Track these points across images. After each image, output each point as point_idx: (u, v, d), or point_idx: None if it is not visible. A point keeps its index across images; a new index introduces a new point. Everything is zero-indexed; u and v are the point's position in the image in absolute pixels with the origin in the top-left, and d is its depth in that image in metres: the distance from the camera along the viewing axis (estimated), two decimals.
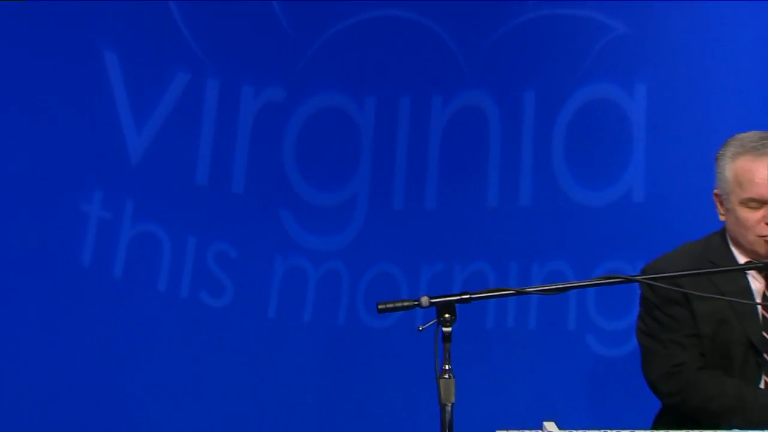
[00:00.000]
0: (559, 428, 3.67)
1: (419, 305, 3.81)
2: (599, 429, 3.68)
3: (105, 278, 7.22)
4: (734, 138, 4.32)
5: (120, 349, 7.12)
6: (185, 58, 7.35)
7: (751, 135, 4.32)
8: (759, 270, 4.26)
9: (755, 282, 4.36)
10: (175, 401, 7.19)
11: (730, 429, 3.88)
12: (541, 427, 3.66)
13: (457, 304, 3.79)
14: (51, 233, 7.11)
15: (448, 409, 3.65)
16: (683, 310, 4.38)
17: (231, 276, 7.43)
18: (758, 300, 4.29)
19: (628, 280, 4.28)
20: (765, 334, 4.29)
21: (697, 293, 4.23)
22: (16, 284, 6.97)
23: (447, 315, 3.77)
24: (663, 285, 4.27)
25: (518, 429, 3.63)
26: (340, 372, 7.24)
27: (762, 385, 4.31)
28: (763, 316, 4.32)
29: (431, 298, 3.80)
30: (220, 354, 7.30)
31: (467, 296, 3.83)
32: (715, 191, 4.40)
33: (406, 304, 3.87)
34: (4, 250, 6.97)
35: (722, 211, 4.38)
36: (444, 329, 3.76)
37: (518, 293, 4.12)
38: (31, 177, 7.02)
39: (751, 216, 4.23)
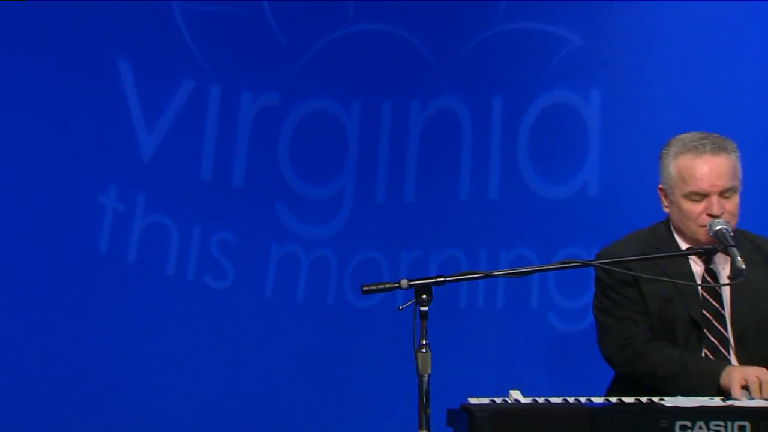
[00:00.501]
0: (524, 395, 3.70)
1: (399, 287, 3.84)
2: (559, 396, 3.67)
3: (119, 264, 7.22)
4: (676, 138, 4.33)
5: (133, 327, 7.12)
6: (190, 67, 7.35)
7: (692, 135, 4.32)
8: (699, 255, 4.28)
9: (696, 266, 4.37)
10: (182, 372, 7.17)
11: (674, 394, 3.88)
12: (507, 395, 3.68)
13: (433, 286, 3.80)
14: (71, 223, 7.10)
15: (425, 379, 3.68)
16: (633, 291, 4.39)
17: (232, 261, 7.46)
18: (698, 282, 4.31)
19: (585, 265, 4.33)
20: (704, 311, 4.30)
21: (645, 276, 4.28)
22: (41, 269, 6.95)
23: (424, 296, 3.79)
24: (615, 269, 4.32)
25: (488, 396, 3.63)
26: (329, 346, 7.23)
27: (702, 356, 4.30)
28: (703, 295, 4.32)
29: (410, 280, 3.83)
30: (222, 330, 7.32)
31: (442, 279, 3.85)
32: (660, 186, 4.40)
33: (387, 286, 3.90)
34: (30, 239, 6.95)
35: (666, 204, 4.39)
36: (421, 308, 3.78)
37: (487, 276, 4.14)
38: (53, 173, 7.01)
39: (694, 208, 4.24)
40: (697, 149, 4.28)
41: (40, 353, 6.88)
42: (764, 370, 3.97)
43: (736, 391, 3.90)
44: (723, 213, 4.23)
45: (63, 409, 6.83)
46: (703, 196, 4.24)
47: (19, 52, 6.91)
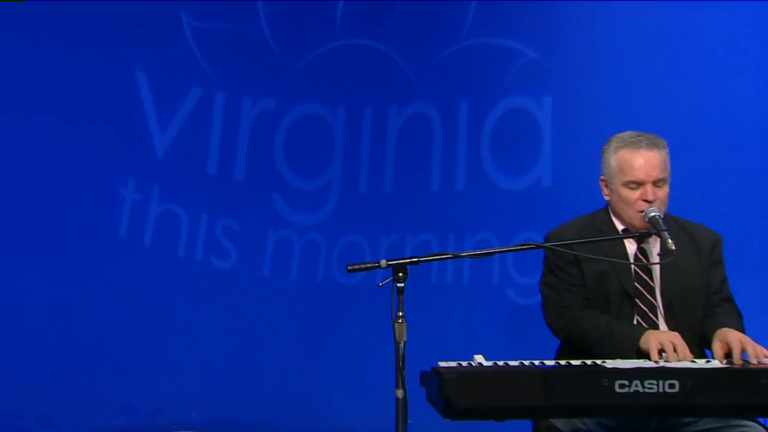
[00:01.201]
0: (486, 359, 3.71)
1: (379, 266, 3.86)
2: (516, 359, 3.67)
3: (137, 246, 7.25)
4: (616, 136, 4.37)
5: (149, 300, 7.13)
6: (198, 76, 7.34)
7: (629, 133, 4.37)
8: (633, 237, 4.32)
9: (630, 246, 4.38)
10: (192, 338, 7.19)
11: (603, 355, 3.92)
12: (472, 359, 3.68)
13: (408, 266, 3.82)
14: (95, 212, 7.12)
15: (401, 345, 3.69)
16: (575, 269, 4.39)
17: (234, 244, 7.47)
18: (632, 260, 4.35)
19: (538, 246, 4.35)
20: (636, 284, 4.31)
21: (586, 255, 4.30)
22: (70, 251, 6.96)
23: (401, 274, 3.81)
24: (562, 249, 4.32)
25: (455, 360, 3.64)
26: (319, 317, 7.26)
27: (634, 322, 4.32)
28: (635, 271, 4.33)
29: (388, 260, 3.85)
30: (226, 304, 7.33)
31: (416, 259, 3.87)
32: (602, 177, 4.39)
33: (369, 265, 3.91)
34: (60, 225, 6.95)
35: (607, 192, 4.39)
36: (398, 284, 3.80)
37: (455, 257, 4.14)
38: (80, 168, 7.01)
39: (631, 195, 4.26)
40: (634, 144, 4.31)
41: (69, 323, 6.89)
42: (677, 334, 4.00)
43: (653, 354, 3.91)
44: (656, 199, 4.25)
45: (90, 369, 6.83)
46: (639, 184, 4.27)
47: (54, 65, 6.91)
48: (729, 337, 3.97)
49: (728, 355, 3.92)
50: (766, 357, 3.82)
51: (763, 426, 3.91)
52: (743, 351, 3.87)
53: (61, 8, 6.92)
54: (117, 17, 7.07)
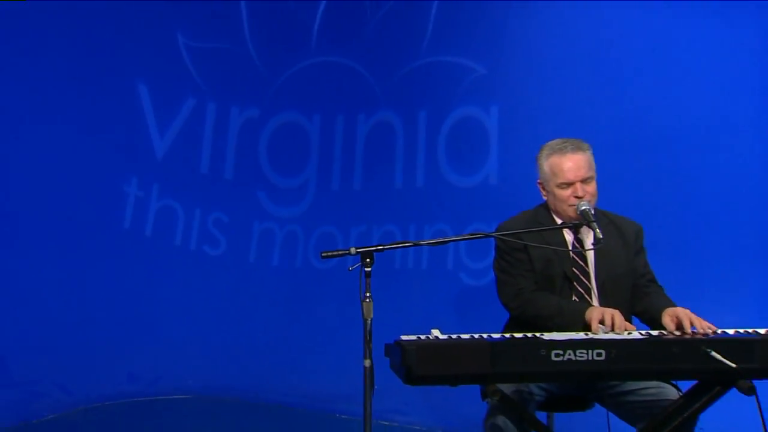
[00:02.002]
0: (442, 333, 3.71)
1: (349, 253, 3.85)
2: (467, 333, 3.64)
3: (139, 236, 7.26)
4: (546, 145, 4.39)
5: (150, 284, 7.17)
6: (192, 89, 7.35)
7: (557, 141, 4.39)
8: (569, 228, 4.34)
9: (568, 235, 4.40)
10: (187, 317, 7.23)
11: (554, 329, 3.90)
12: (430, 333, 3.66)
13: (374, 253, 3.83)
14: (103, 206, 7.12)
15: (369, 322, 3.69)
16: (523, 255, 4.41)
17: (224, 235, 7.48)
18: (570, 248, 4.38)
19: (487, 236, 4.36)
20: (574, 269, 4.33)
21: (532, 244, 4.33)
22: (80, 240, 6.94)
23: (368, 259, 3.81)
24: (510, 239, 4.34)
25: (415, 334, 3.61)
26: (298, 298, 7.29)
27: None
28: (573, 257, 4.35)
29: (357, 248, 3.85)
30: (217, 286, 7.37)
31: (381, 247, 3.87)
32: (539, 181, 4.41)
33: (341, 252, 3.91)
34: (72, 218, 6.91)
35: (544, 194, 4.39)
36: (366, 269, 3.79)
37: (415, 245, 4.11)
38: (89, 169, 7.00)
39: (565, 193, 4.27)
40: (562, 150, 4.33)
41: (81, 303, 6.87)
42: (614, 310, 4.01)
43: (594, 324, 3.91)
44: (585, 195, 4.27)
45: (99, 342, 6.82)
46: (570, 184, 4.29)
47: (67, 79, 6.87)
48: (678, 313, 3.98)
49: (678, 328, 3.95)
50: (709, 329, 3.84)
51: (675, 386, 3.96)
52: (692, 324, 3.91)
53: (74, 32, 6.89)
54: (122, 38, 7.07)
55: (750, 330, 3.75)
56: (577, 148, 4.36)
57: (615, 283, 4.35)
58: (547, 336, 3.71)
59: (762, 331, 3.73)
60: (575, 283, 4.35)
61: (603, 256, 4.35)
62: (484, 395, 3.84)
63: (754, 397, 3.45)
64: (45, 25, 6.74)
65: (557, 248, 4.35)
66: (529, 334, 3.76)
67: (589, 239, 4.39)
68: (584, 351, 3.55)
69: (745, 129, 5.75)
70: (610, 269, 4.36)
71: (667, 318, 4.03)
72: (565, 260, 4.37)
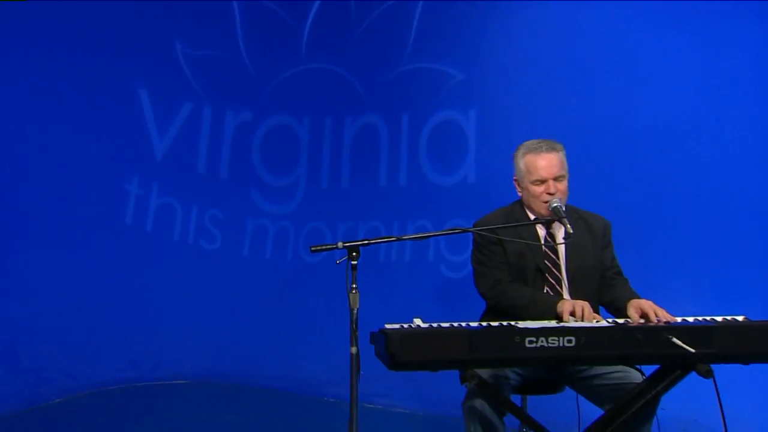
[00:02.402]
0: (423, 322, 3.72)
1: (337, 247, 3.86)
2: (447, 321, 3.63)
3: (140, 232, 7.24)
4: (522, 144, 4.39)
5: (150, 276, 7.15)
6: (190, 94, 7.33)
7: (533, 141, 4.39)
8: (542, 223, 4.34)
9: (541, 230, 4.39)
10: (184, 307, 7.21)
11: (527, 319, 3.91)
12: (412, 321, 3.65)
13: (360, 247, 3.83)
14: (106, 203, 7.10)
15: (355, 311, 3.69)
16: (499, 248, 4.41)
17: (220, 230, 7.47)
18: (542, 242, 4.37)
19: (465, 231, 4.37)
20: (546, 261, 4.33)
21: (506, 238, 4.31)
22: (85, 235, 6.92)
23: (354, 253, 3.80)
24: (487, 234, 4.36)
25: (398, 323, 3.58)
26: (289, 289, 7.29)
27: (544, 291, 4.35)
28: (545, 251, 4.35)
29: (344, 242, 3.85)
30: (213, 278, 7.36)
31: (366, 241, 3.86)
32: (515, 178, 4.41)
33: (329, 246, 3.90)
34: (76, 215, 6.89)
35: (520, 190, 4.40)
36: (352, 262, 3.79)
37: (398, 239, 4.10)
38: (93, 168, 6.99)
39: (538, 189, 4.28)
40: (537, 150, 4.34)
41: (86, 294, 6.85)
42: (584, 302, 4.01)
43: (565, 315, 3.92)
44: (557, 192, 4.28)
45: (102, 331, 6.82)
46: (543, 181, 4.30)
47: (73, 85, 6.87)
48: (642, 305, 3.98)
49: (642, 318, 3.96)
50: (669, 319, 3.87)
51: (639, 370, 3.98)
52: (655, 315, 3.93)
53: (79, 41, 6.88)
54: (124, 46, 7.06)
55: (708, 318, 3.78)
56: (551, 148, 4.37)
57: (584, 275, 4.35)
58: (521, 324, 3.72)
59: (719, 318, 3.76)
60: (547, 275, 4.35)
61: (573, 249, 4.35)
62: (463, 380, 3.83)
63: (711, 380, 3.49)
64: (54, 34, 6.75)
65: (530, 242, 4.34)
66: (505, 323, 3.77)
67: (560, 234, 4.39)
68: (556, 338, 3.56)
69: (707, 132, 5.78)
70: (580, 262, 4.36)
71: (632, 309, 4.03)
72: (538, 253, 4.36)
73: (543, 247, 4.39)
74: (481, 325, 3.71)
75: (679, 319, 3.80)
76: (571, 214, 4.40)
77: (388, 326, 3.63)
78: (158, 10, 7.17)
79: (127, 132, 7.20)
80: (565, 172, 4.37)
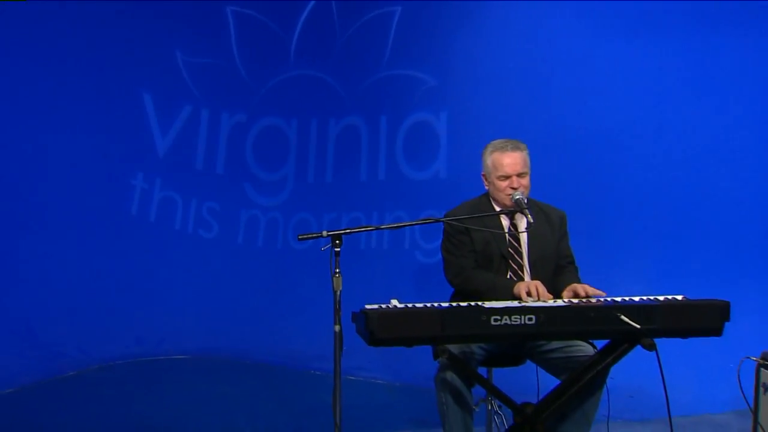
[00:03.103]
0: (400, 302, 3.74)
1: (321, 236, 3.87)
2: (422, 302, 3.66)
3: (144, 222, 7.25)
4: (490, 143, 4.44)
5: (154, 261, 7.16)
6: (189, 98, 7.33)
7: (499, 140, 4.45)
8: (506, 214, 4.38)
9: (504, 220, 4.43)
10: (184, 291, 7.22)
11: (491, 300, 3.92)
12: (389, 302, 3.68)
13: (343, 235, 3.84)
14: (114, 197, 7.12)
15: (338, 294, 3.68)
16: (466, 237, 4.44)
17: (216, 220, 7.46)
18: (506, 231, 4.42)
19: (437, 221, 4.39)
20: (509, 249, 4.37)
21: (473, 227, 4.36)
22: (94, 225, 6.93)
23: (337, 241, 3.81)
24: (456, 224, 4.38)
25: (377, 303, 3.60)
26: (279, 273, 7.29)
27: (508, 275, 4.40)
28: (509, 240, 4.39)
29: (329, 231, 3.86)
30: (210, 264, 7.36)
31: (349, 230, 3.88)
32: (482, 173, 4.45)
33: (314, 235, 3.90)
34: (88, 207, 6.91)
35: (486, 184, 4.45)
36: (336, 249, 3.81)
37: (377, 229, 4.13)
38: (102, 165, 7.00)
39: (503, 184, 4.33)
40: (503, 148, 4.38)
41: (94, 278, 6.86)
42: (539, 282, 4.08)
43: (523, 295, 3.97)
44: (520, 186, 4.33)
45: (111, 310, 6.84)
46: (507, 177, 4.35)
47: (84, 90, 6.87)
48: (576, 287, 4.08)
49: (574, 297, 4.04)
50: (601, 296, 3.92)
51: (592, 344, 4.02)
52: (587, 294, 3.99)
53: (91, 51, 6.90)
54: (130, 55, 7.08)
55: (651, 297, 3.83)
56: (516, 147, 4.40)
57: (543, 262, 4.38)
58: (487, 304, 3.75)
59: (661, 298, 3.81)
60: (510, 261, 4.38)
61: (534, 238, 4.40)
62: (435, 355, 3.84)
63: (654, 352, 3.53)
64: (69, 45, 6.79)
65: (495, 231, 4.37)
66: (472, 303, 3.79)
67: (522, 224, 4.42)
68: (518, 316, 3.59)
69: (649, 132, 5.84)
70: (540, 249, 4.39)
71: (568, 291, 4.13)
72: (502, 242, 4.39)
73: (506, 235, 4.41)
74: (451, 305, 3.74)
75: (618, 299, 3.85)
76: (532, 206, 4.40)
77: (368, 306, 3.64)
78: (161, 22, 7.15)
79: (133, 132, 7.19)
80: (527, 169, 4.40)
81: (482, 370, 4.36)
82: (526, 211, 4.20)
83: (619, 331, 3.64)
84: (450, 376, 3.96)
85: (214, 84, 7.41)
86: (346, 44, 7.21)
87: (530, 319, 3.60)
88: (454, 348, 3.93)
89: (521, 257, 4.41)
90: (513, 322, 3.59)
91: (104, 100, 6.96)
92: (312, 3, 7.33)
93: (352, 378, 6.17)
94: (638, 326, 3.57)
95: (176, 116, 7.33)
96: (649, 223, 5.82)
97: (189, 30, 7.27)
